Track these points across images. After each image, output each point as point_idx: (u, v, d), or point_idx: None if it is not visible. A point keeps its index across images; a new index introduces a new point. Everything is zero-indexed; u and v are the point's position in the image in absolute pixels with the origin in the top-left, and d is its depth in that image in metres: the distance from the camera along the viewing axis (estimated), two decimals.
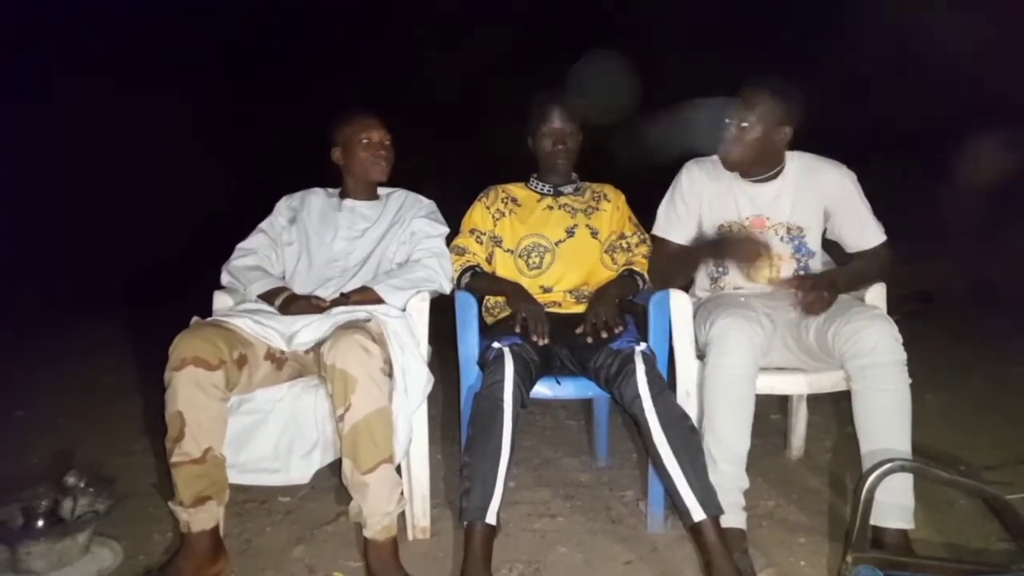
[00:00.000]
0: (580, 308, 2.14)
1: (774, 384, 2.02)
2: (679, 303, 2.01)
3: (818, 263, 2.15)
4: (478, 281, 2.16)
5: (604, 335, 1.92)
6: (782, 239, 2.11)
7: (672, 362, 2.00)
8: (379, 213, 2.24)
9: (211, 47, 6.90)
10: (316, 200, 2.27)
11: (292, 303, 1.97)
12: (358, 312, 1.89)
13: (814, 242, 2.13)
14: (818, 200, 2.10)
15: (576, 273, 2.20)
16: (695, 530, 1.71)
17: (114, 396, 3.13)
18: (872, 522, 1.75)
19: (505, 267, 2.22)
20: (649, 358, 1.85)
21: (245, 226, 2.24)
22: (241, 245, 2.18)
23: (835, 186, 2.10)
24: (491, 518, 1.71)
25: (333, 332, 1.79)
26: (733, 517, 1.82)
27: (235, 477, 1.81)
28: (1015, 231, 4.77)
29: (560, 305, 2.18)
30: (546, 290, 2.20)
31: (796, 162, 2.12)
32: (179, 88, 6.22)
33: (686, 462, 1.73)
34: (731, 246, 2.09)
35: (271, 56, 7.18)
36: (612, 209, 2.27)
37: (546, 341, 1.94)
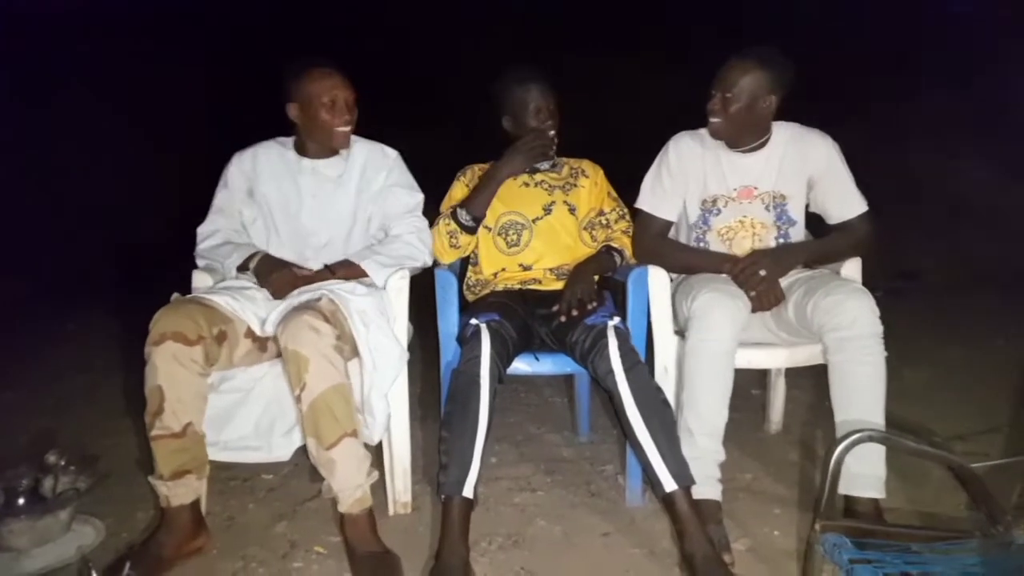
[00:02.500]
0: (560, 285, 2.15)
1: (752, 358, 2.03)
2: (657, 279, 2.02)
3: (800, 232, 2.15)
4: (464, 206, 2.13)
5: (576, 313, 1.93)
6: (767, 208, 2.11)
7: (651, 338, 2.02)
8: (342, 171, 2.09)
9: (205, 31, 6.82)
10: (271, 161, 2.08)
11: (269, 266, 1.94)
12: (313, 292, 1.86)
13: (796, 211, 2.12)
14: (803, 169, 2.10)
15: (555, 250, 2.20)
16: (667, 500, 1.73)
17: (102, 376, 3.14)
18: (844, 491, 1.78)
19: (485, 245, 2.23)
20: (622, 332, 1.86)
21: None
22: (200, 229, 2.09)
23: (820, 155, 2.09)
24: (468, 492, 1.73)
25: (285, 316, 1.78)
26: (709, 489, 1.85)
27: (217, 455, 1.83)
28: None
29: (540, 282, 2.19)
30: (525, 268, 2.20)
31: (782, 131, 2.11)
32: (175, 69, 6.18)
33: (659, 434, 1.75)
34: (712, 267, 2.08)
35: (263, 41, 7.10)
36: (590, 185, 2.27)
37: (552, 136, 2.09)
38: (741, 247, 2.12)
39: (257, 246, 2.06)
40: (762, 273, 1.96)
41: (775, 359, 2.09)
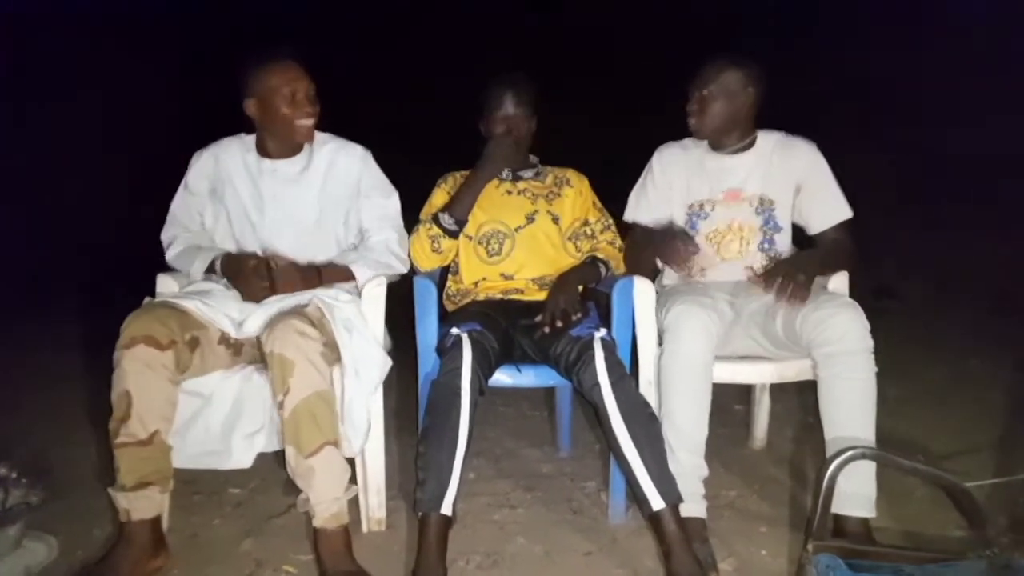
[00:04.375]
0: (543, 295, 2.09)
1: (738, 372, 1.99)
2: (642, 291, 1.97)
3: (786, 239, 2.12)
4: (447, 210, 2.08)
5: (560, 324, 1.88)
6: (755, 211, 2.09)
7: (635, 351, 1.97)
8: (302, 168, 1.99)
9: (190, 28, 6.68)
10: (232, 160, 1.99)
11: (237, 264, 1.88)
12: (300, 297, 1.81)
13: (783, 217, 2.10)
14: (790, 174, 2.08)
15: (538, 260, 2.15)
16: (654, 519, 1.67)
17: (61, 384, 3.01)
18: (834, 510, 1.73)
19: (465, 254, 2.17)
20: (609, 344, 1.81)
21: None
22: (162, 236, 2.04)
23: (807, 162, 2.08)
24: (447, 509, 1.65)
25: (270, 319, 1.73)
26: (693, 506, 1.79)
27: (178, 461, 1.74)
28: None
29: (523, 292, 2.13)
30: (507, 277, 2.14)
31: (768, 137, 2.12)
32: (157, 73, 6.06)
33: (645, 450, 1.69)
34: (658, 245, 2.08)
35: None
36: (575, 195, 2.22)
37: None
38: (729, 251, 2.10)
39: (219, 247, 2.00)
40: (801, 278, 1.90)
41: (762, 374, 2.04)
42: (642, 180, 2.21)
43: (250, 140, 2.02)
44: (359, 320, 1.81)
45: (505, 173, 2.20)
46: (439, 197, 2.20)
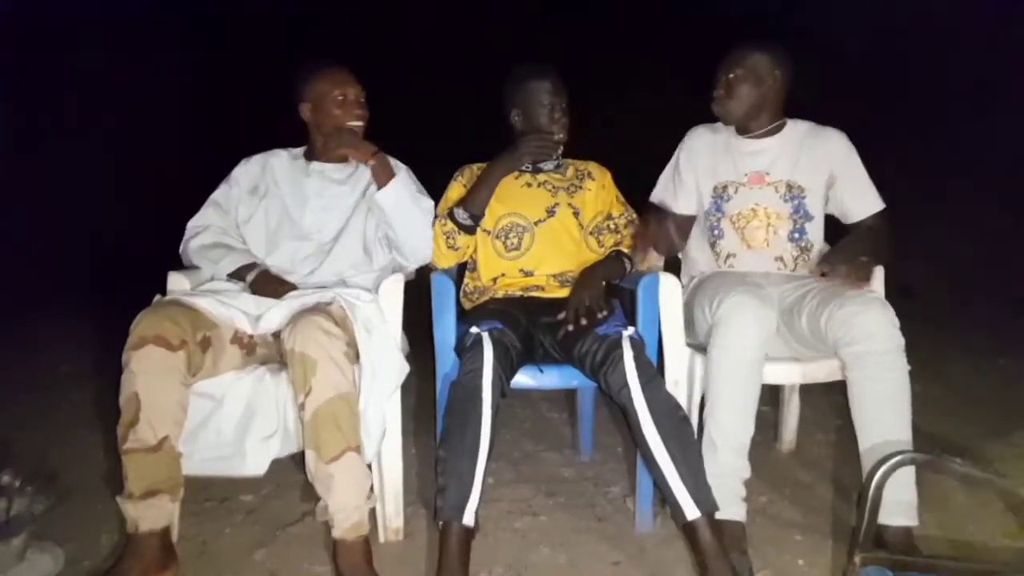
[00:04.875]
0: (564, 292, 2.01)
1: (767, 373, 1.89)
2: (669, 287, 1.89)
3: (818, 229, 2.05)
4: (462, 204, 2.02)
5: (584, 321, 1.80)
6: (782, 198, 2.03)
7: (661, 349, 1.88)
8: (350, 174, 2.06)
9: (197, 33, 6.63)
10: (280, 164, 2.07)
11: (265, 283, 1.85)
12: (324, 294, 1.76)
13: (814, 205, 2.04)
14: (822, 163, 2.03)
15: (558, 255, 2.06)
16: (688, 528, 1.58)
17: (68, 386, 2.95)
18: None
19: (484, 247, 2.09)
20: (637, 343, 1.72)
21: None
22: (192, 223, 2.02)
23: (839, 150, 2.04)
24: (468, 518, 1.57)
25: (293, 316, 1.67)
26: (733, 509, 1.71)
27: (188, 468, 1.66)
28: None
29: (543, 289, 2.05)
30: (527, 273, 2.06)
31: (798, 125, 2.09)
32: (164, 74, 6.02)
33: (678, 455, 1.60)
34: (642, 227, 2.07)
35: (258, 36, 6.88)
36: (597, 188, 2.13)
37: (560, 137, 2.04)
38: (755, 237, 2.04)
39: (252, 252, 1.98)
40: (864, 259, 1.84)
41: (791, 374, 1.95)
42: (672, 161, 2.20)
43: (298, 151, 2.12)
44: (379, 321, 1.76)
45: (525, 164, 2.11)
46: (455, 191, 2.12)
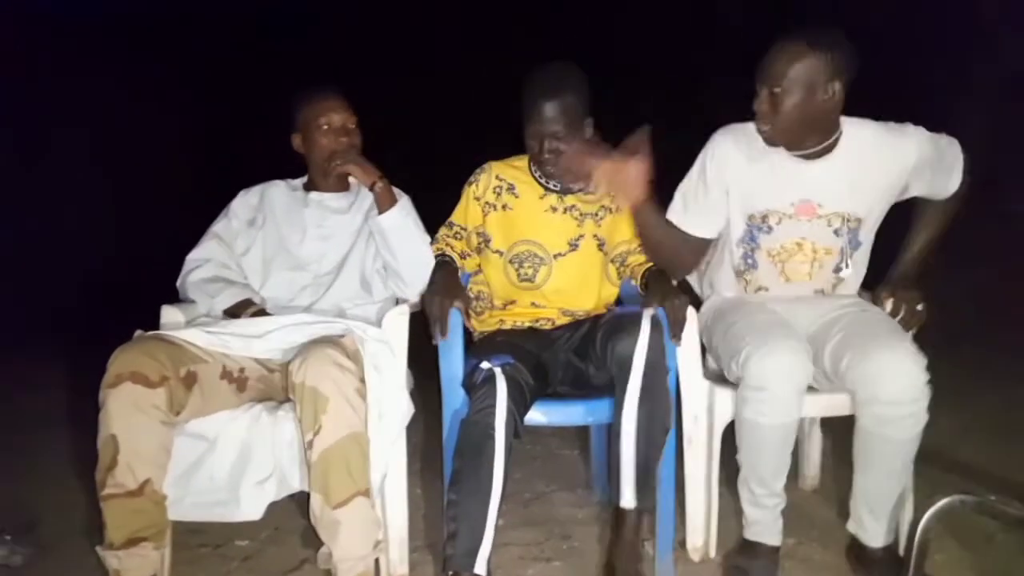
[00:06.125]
0: (565, 321, 1.94)
1: None
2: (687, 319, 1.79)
3: (865, 254, 1.87)
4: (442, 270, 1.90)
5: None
6: (835, 232, 1.78)
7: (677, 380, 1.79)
8: (350, 203, 2.00)
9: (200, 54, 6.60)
10: (278, 195, 2.01)
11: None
12: (333, 325, 1.67)
13: (867, 233, 1.81)
14: (887, 182, 1.76)
15: (574, 293, 1.94)
16: (619, 513, 1.62)
17: (50, 429, 2.81)
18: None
19: (495, 269, 1.96)
20: (658, 323, 1.64)
21: None
22: (191, 256, 1.94)
23: (915, 154, 1.75)
24: (480, 567, 1.47)
25: (302, 347, 1.57)
26: (773, 538, 1.75)
27: (179, 513, 1.57)
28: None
29: (552, 322, 1.96)
30: (537, 306, 1.96)
31: (856, 130, 1.74)
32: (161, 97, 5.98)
33: (642, 449, 1.59)
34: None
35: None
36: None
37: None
38: (797, 272, 1.84)
39: (251, 285, 1.91)
40: (919, 308, 1.78)
41: (813, 406, 1.84)
42: (694, 176, 1.82)
43: (297, 182, 2.08)
44: (387, 359, 1.67)
45: (553, 183, 1.92)
46: (465, 205, 1.96)
